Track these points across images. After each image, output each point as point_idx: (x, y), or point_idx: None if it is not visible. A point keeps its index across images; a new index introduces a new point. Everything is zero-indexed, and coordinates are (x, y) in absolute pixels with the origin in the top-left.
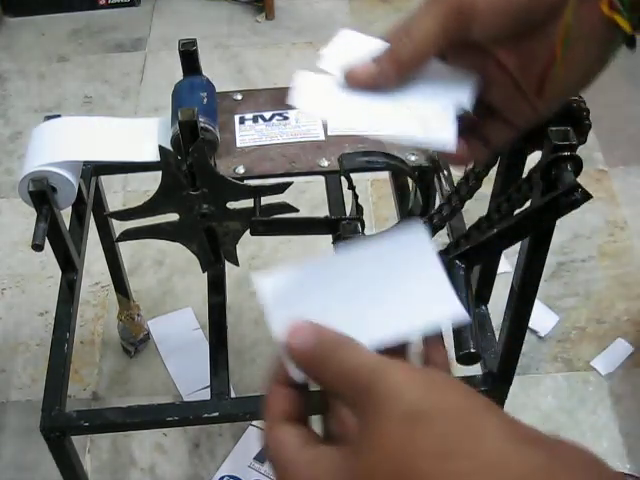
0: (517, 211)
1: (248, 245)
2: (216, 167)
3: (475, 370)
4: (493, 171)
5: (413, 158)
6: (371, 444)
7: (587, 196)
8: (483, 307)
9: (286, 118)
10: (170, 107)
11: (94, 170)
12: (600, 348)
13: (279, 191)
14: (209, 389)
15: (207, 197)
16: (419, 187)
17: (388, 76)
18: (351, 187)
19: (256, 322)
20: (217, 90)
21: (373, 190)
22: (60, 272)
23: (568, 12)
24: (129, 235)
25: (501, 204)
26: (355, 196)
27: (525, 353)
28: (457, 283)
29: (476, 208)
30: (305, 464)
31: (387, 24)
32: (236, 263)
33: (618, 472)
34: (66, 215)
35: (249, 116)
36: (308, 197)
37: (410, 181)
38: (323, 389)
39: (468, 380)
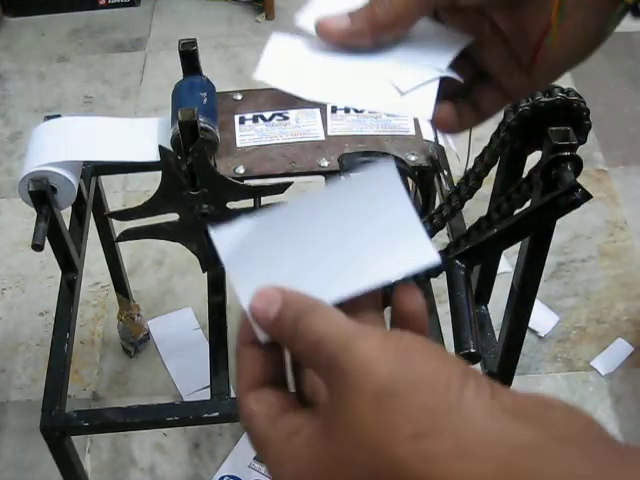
0: (517, 211)
1: None
2: (216, 167)
3: None
4: (493, 171)
5: (413, 158)
6: (344, 429)
7: (587, 196)
8: (483, 307)
9: (286, 118)
10: (170, 107)
11: (94, 170)
12: (600, 348)
13: (279, 191)
14: (209, 389)
15: (207, 197)
16: (419, 187)
17: (361, 35)
18: None
19: None
20: (217, 90)
21: None
22: (60, 272)
23: None
24: (129, 235)
25: (501, 204)
26: None
27: (525, 353)
28: (457, 283)
29: (476, 208)
30: (277, 442)
31: None
32: None
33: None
34: (66, 215)
35: (249, 116)
36: None
37: (410, 181)
38: (292, 357)
39: None
